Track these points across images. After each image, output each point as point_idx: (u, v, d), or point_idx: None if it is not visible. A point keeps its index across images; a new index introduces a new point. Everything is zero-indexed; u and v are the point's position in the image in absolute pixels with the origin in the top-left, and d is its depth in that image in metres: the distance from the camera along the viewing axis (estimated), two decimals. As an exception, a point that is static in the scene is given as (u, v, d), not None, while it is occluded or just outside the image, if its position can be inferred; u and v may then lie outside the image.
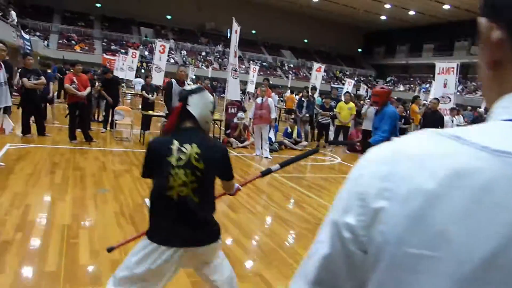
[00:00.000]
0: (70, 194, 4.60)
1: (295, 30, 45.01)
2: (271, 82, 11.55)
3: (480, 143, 0.44)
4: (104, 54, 30.93)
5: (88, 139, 7.79)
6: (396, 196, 0.46)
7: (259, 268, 3.33)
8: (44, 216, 3.89)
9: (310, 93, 11.73)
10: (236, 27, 8.74)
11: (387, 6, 36.18)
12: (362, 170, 0.52)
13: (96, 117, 10.73)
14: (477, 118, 14.45)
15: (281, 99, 19.53)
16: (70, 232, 3.53)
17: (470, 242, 0.42)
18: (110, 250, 2.54)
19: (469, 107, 19.55)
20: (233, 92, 9.66)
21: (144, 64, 32.08)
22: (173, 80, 6.82)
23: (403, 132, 9.57)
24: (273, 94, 13.53)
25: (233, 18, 8.77)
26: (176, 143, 1.95)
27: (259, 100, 8.73)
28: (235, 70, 9.22)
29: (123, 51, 32.04)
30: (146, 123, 9.07)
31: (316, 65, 17.41)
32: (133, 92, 17.75)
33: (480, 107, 21.41)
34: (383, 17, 41.12)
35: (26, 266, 2.93)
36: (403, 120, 9.67)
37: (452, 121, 10.06)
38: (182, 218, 1.96)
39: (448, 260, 0.42)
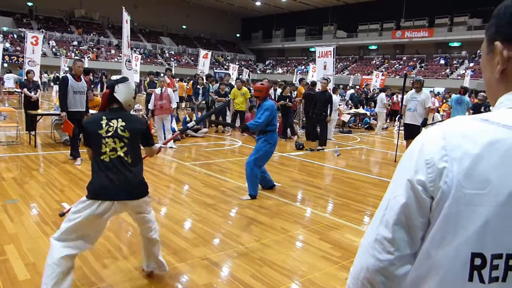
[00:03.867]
0: (-27, 211, 4.09)
1: (173, 16, 44.03)
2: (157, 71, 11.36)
3: (501, 122, 0.75)
4: (-49, 48, 26.15)
5: (-34, 147, 6.81)
6: (453, 159, 0.74)
7: (203, 252, 3.49)
8: (-49, 238, 3.44)
9: (205, 81, 11.88)
10: (126, 16, 8.41)
11: (260, -9, 37.77)
12: (425, 145, 0.78)
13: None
14: (353, 95, 16.21)
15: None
16: (-6, 250, 3.23)
17: (503, 182, 0.71)
18: (62, 214, 2.96)
19: (341, 85, 21.86)
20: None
21: (7, 58, 28.10)
22: (68, 75, 6.32)
23: (285, 110, 10.34)
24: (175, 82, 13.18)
25: (123, 7, 8.41)
26: (104, 119, 2.54)
27: (158, 90, 8.62)
28: (129, 61, 8.89)
29: (-25, 43, 27.56)
30: (31, 123, 8.18)
31: (202, 52, 17.52)
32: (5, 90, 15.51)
33: (349, 85, 24.11)
34: (258, 3, 42.78)
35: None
36: (287, 99, 10.55)
37: (344, 98, 11.24)
38: (115, 176, 2.48)
39: (490, 194, 0.71)
